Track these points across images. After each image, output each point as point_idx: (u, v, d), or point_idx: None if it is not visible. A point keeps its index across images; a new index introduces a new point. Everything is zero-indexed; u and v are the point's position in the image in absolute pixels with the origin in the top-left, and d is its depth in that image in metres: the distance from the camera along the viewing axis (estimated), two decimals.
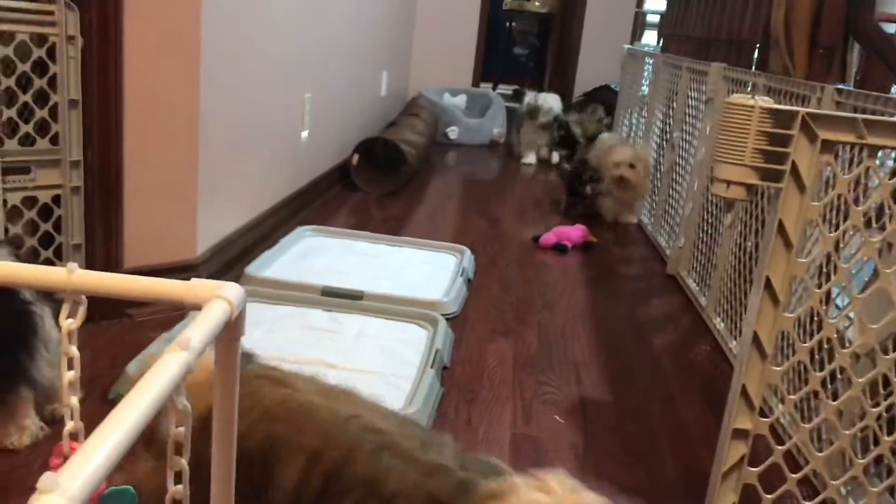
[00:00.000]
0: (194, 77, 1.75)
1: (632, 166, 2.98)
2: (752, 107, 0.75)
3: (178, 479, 0.61)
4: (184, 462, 0.62)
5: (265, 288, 1.96)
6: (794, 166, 0.76)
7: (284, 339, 1.72)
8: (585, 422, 1.54)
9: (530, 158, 4.31)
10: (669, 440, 1.50)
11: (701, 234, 2.33)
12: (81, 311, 0.69)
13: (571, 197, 3.21)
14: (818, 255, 0.85)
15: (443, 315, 1.92)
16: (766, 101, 0.75)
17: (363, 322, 1.87)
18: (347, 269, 2.22)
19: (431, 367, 1.61)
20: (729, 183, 0.78)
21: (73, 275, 0.67)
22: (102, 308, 1.71)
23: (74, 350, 0.70)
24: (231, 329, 0.67)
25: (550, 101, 4.22)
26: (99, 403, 1.40)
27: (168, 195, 1.79)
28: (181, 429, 0.60)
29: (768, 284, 0.78)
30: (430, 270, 2.30)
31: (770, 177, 0.77)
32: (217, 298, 0.65)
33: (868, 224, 1.25)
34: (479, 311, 2.06)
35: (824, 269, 1.35)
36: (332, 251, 2.37)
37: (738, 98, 0.77)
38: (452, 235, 2.73)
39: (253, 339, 1.70)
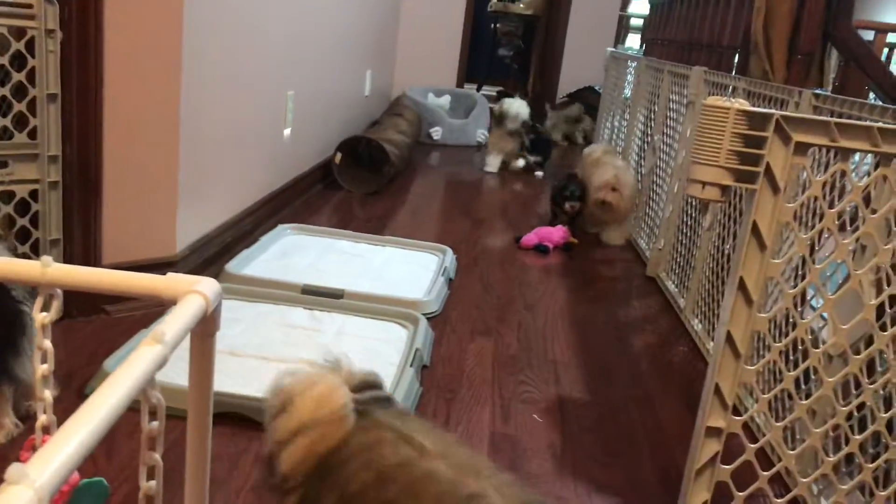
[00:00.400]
0: (175, 72, 1.74)
1: (614, 189, 2.84)
2: (728, 109, 0.76)
3: (150, 475, 0.61)
4: (157, 457, 0.62)
5: (245, 286, 1.95)
6: (768, 168, 0.77)
7: (264, 338, 1.72)
8: (564, 421, 1.55)
9: (492, 166, 4.08)
10: (647, 440, 1.51)
11: (680, 237, 2.35)
12: (56, 304, 0.69)
13: (556, 208, 3.14)
14: (793, 256, 0.86)
15: (423, 314, 1.92)
16: (741, 104, 0.76)
17: (343, 321, 1.86)
18: (328, 268, 2.22)
19: (411, 365, 1.61)
20: (704, 184, 0.78)
21: (47, 269, 0.67)
22: (80, 304, 1.70)
23: (48, 344, 0.70)
24: (206, 323, 0.67)
25: (516, 108, 4.01)
26: (76, 399, 1.38)
27: (148, 191, 1.78)
28: (155, 423, 0.60)
29: (742, 285, 0.79)
30: (411, 270, 2.30)
31: (744, 178, 0.78)
32: (193, 293, 0.65)
33: (843, 227, 1.27)
34: (459, 311, 2.07)
35: (800, 271, 1.36)
36: (313, 250, 2.36)
37: (714, 100, 0.78)
38: (435, 235, 2.74)
39: (232, 337, 1.69)
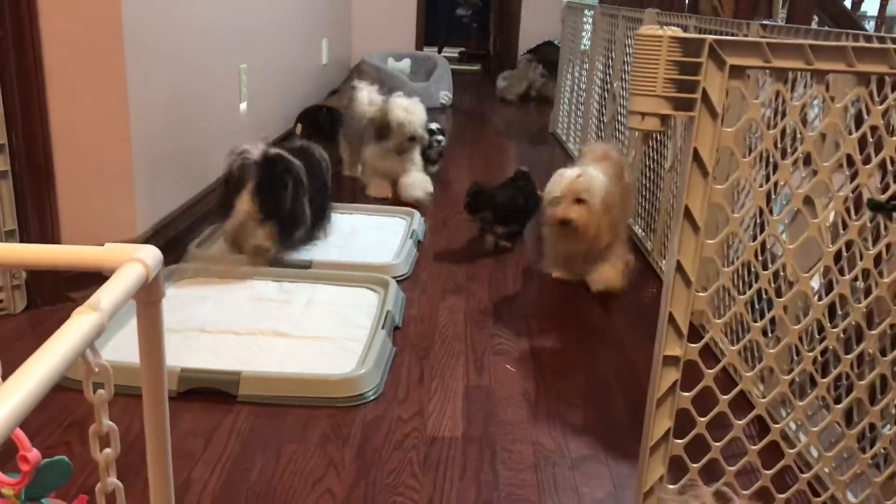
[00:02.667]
0: (118, 50, 1.70)
1: (579, 201, 1.83)
2: (661, 37, 0.76)
3: (105, 442, 0.61)
4: (112, 424, 0.61)
5: (211, 263, 1.94)
6: (704, 94, 0.77)
7: (233, 313, 1.71)
8: (536, 369, 1.56)
9: (377, 189, 2.74)
10: (618, 380, 1.54)
11: (644, 181, 2.36)
12: None
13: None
14: (736, 182, 0.87)
15: (393, 277, 1.92)
16: (673, 31, 0.76)
17: (313, 290, 1.86)
18: None
19: (382, 327, 1.62)
20: (643, 115, 0.78)
21: None
22: (44, 294, 1.68)
23: None
24: (149, 291, 0.66)
25: (401, 114, 2.60)
26: None
27: (101, 174, 1.75)
28: (102, 392, 0.59)
29: (688, 213, 0.80)
30: (379, 235, 2.29)
31: (683, 106, 0.78)
32: (132, 261, 0.64)
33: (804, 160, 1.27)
34: (430, 272, 2.07)
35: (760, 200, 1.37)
36: None
37: (647, 29, 0.77)
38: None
39: (202, 314, 1.68)
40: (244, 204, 1.87)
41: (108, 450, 0.60)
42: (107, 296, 0.57)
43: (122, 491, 0.60)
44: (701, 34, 1.83)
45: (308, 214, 1.98)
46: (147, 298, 0.67)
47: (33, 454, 0.71)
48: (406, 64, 5.13)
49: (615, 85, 2.78)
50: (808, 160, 0.97)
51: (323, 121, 3.29)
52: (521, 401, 1.44)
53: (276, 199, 1.89)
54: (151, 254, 0.66)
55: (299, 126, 3.17)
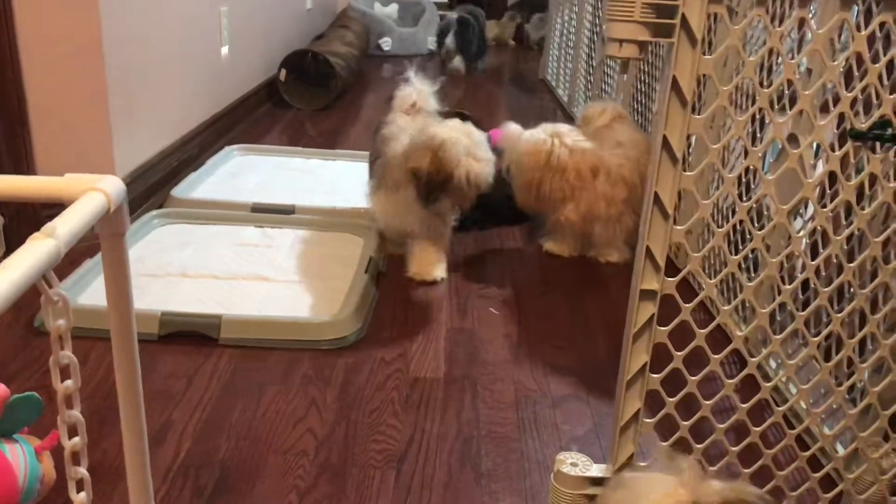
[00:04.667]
0: None
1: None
2: None
3: (65, 374, 0.60)
4: (72, 356, 0.60)
5: (192, 209, 1.92)
6: (684, 19, 0.75)
7: (216, 257, 1.69)
8: (520, 312, 1.56)
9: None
10: (601, 321, 1.54)
11: None
12: None
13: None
14: (715, 112, 0.85)
15: None
16: None
17: (296, 235, 1.84)
18: (279, 186, 2.18)
19: (366, 272, 1.61)
20: (621, 42, 0.76)
21: None
22: (22, 239, 1.66)
23: None
24: (112, 222, 0.65)
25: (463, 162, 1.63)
26: (24, 332, 1.37)
27: (77, 119, 1.71)
28: (61, 321, 0.58)
29: (666, 143, 0.78)
30: (364, 181, 2.26)
31: (661, 32, 0.76)
32: (92, 190, 0.62)
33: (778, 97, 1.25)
34: None
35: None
36: (263, 169, 2.32)
37: None
38: None
39: (183, 259, 1.67)
40: (449, 40, 4.00)
41: (68, 381, 0.59)
42: (64, 223, 0.55)
43: (83, 425, 0.60)
44: None
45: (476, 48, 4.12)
46: (110, 230, 0.65)
47: (0, 388, 0.71)
48: (393, 9, 5.02)
49: (604, 28, 2.72)
50: (794, 101, 0.95)
51: (308, 67, 3.23)
52: (504, 342, 1.44)
53: (465, 38, 3.99)
54: (113, 184, 0.64)
55: (283, 72, 3.11)
